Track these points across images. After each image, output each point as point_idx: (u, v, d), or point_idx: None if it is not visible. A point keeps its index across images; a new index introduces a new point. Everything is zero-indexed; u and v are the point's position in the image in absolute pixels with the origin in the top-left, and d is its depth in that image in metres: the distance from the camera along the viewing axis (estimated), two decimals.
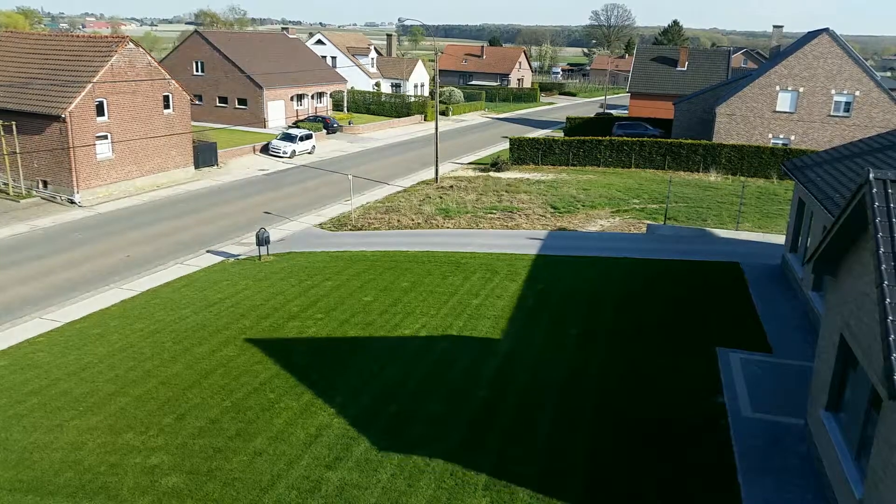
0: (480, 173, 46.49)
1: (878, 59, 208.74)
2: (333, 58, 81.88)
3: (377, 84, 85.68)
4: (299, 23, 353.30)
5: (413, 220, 33.82)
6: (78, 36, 44.73)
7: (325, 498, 12.31)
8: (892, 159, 18.55)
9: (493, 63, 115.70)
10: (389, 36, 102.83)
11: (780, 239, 28.98)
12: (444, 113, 79.18)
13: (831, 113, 45.51)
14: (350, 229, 33.00)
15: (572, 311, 20.96)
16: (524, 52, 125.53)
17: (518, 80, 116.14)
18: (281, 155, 50.78)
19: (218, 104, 63.17)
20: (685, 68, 68.24)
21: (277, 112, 63.65)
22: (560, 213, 34.63)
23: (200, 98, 62.08)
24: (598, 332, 19.33)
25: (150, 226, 33.27)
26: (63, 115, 35.04)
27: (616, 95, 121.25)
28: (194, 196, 39.39)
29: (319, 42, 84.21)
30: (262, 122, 61.76)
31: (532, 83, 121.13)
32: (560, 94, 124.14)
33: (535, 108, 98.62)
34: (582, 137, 49.23)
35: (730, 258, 26.04)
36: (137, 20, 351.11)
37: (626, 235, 30.54)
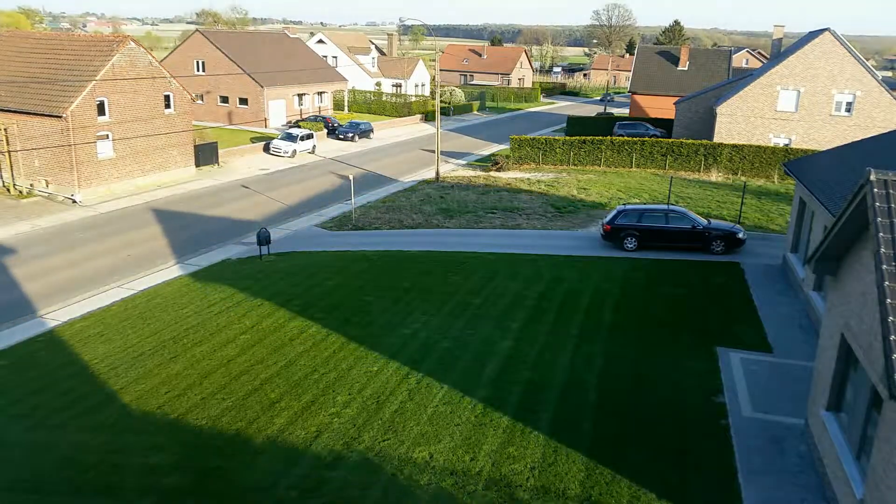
0: (481, 172, 46.49)
1: (880, 58, 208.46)
2: (334, 57, 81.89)
3: (378, 84, 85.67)
4: (300, 22, 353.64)
5: (414, 220, 33.82)
6: (79, 35, 44.79)
7: (325, 498, 12.32)
8: (893, 159, 18.54)
9: (494, 63, 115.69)
10: (390, 35, 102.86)
11: (780, 238, 28.98)
12: (444, 112, 79.17)
13: (832, 113, 45.45)
14: (351, 228, 33.01)
15: (573, 311, 20.96)
16: (525, 51, 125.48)
17: (519, 79, 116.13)
18: (282, 154, 50.79)
19: (219, 103, 63.20)
20: (686, 68, 68.19)
21: (278, 111, 63.68)
22: (561, 212, 34.63)
23: (202, 97, 62.11)
24: (599, 332, 19.33)
25: (151, 225, 33.29)
26: (64, 115, 35.07)
27: (617, 95, 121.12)
28: (195, 195, 39.40)
29: (320, 42, 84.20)
30: (263, 122, 61.79)
31: (533, 83, 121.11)
32: (561, 93, 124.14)
33: (536, 107, 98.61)
34: (583, 137, 49.21)
35: (730, 258, 26.04)
36: (139, 20, 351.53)
37: None
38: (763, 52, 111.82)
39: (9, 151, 37.03)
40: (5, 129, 36.68)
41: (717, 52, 73.68)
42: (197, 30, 67.35)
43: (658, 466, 12.98)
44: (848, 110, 45.23)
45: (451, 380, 16.58)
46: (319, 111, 68.58)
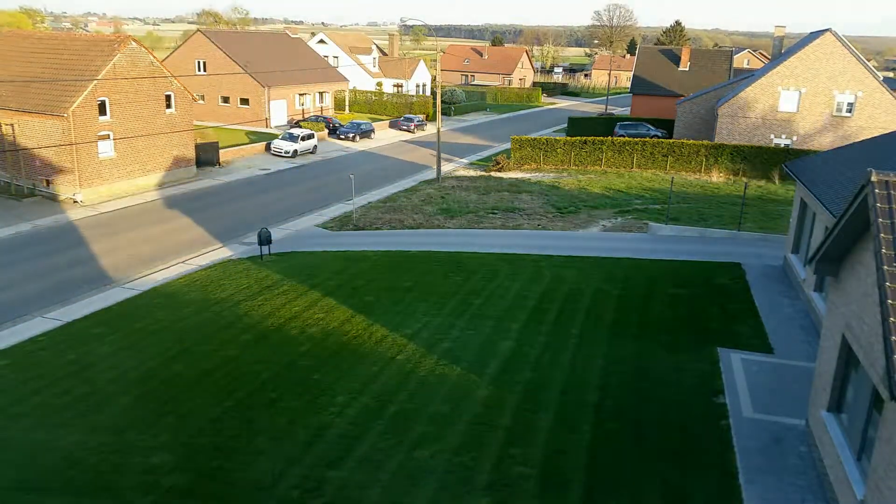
0: (482, 173, 46.49)
1: (881, 59, 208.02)
2: (335, 57, 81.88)
3: (379, 83, 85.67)
4: (301, 22, 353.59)
5: (415, 220, 33.82)
6: (80, 35, 44.87)
7: (326, 497, 12.32)
8: (894, 160, 18.53)
9: (496, 63, 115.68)
10: (391, 35, 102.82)
11: (781, 239, 28.95)
12: (446, 112, 79.16)
13: (834, 113, 45.44)
14: (352, 229, 33.02)
15: (574, 312, 20.95)
16: (526, 51, 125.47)
17: (520, 79, 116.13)
18: (283, 154, 50.81)
19: (220, 103, 63.22)
20: (687, 68, 68.17)
21: (280, 111, 63.71)
22: (562, 213, 34.62)
23: (203, 97, 62.14)
24: (600, 333, 19.32)
25: (152, 225, 33.31)
26: (65, 114, 35.09)
27: (618, 95, 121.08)
28: (196, 195, 39.42)
29: (321, 42, 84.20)
30: (265, 122, 61.81)
31: (534, 83, 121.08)
32: (562, 94, 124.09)
33: (537, 107, 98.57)
34: (584, 137, 49.20)
35: (731, 258, 26.02)
36: (140, 19, 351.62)
37: (628, 236, 30.51)
38: (764, 53, 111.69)
39: (9, 151, 37.06)
40: (12, 126, 36.71)
41: (718, 53, 73.64)
42: (198, 30, 67.37)
43: (659, 466, 12.97)
44: (849, 111, 45.20)
45: (453, 380, 16.58)
46: (321, 111, 68.60)
